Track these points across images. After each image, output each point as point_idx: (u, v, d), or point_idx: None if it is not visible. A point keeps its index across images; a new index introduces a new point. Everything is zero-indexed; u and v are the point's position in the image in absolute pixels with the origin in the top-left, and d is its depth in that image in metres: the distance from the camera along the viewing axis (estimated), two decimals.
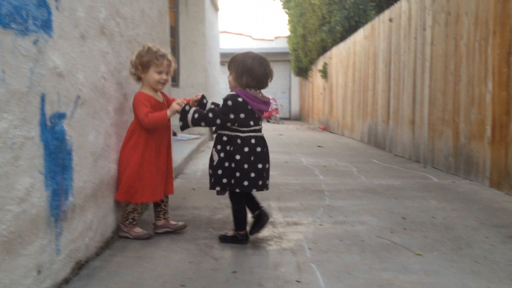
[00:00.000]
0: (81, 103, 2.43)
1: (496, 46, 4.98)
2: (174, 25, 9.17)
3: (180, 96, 9.52)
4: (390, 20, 8.77)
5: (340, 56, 13.59)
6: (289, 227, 3.39)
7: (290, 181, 5.32)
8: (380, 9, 10.00)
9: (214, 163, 2.97)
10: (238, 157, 2.90)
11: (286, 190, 4.75)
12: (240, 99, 2.90)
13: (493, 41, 5.06)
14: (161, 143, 3.11)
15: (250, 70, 2.94)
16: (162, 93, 3.26)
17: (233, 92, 2.95)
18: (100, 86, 2.73)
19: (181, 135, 8.83)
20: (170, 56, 3.15)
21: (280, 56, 25.51)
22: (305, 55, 18.94)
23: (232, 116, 2.91)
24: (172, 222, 3.21)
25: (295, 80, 25.04)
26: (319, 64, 17.08)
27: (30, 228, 1.91)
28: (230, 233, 3.07)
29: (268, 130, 15.65)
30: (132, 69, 3.10)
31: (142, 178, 2.97)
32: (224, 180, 2.95)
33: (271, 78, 3.06)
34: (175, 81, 9.14)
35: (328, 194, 4.57)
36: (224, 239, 3.02)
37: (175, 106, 2.98)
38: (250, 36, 26.33)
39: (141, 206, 3.11)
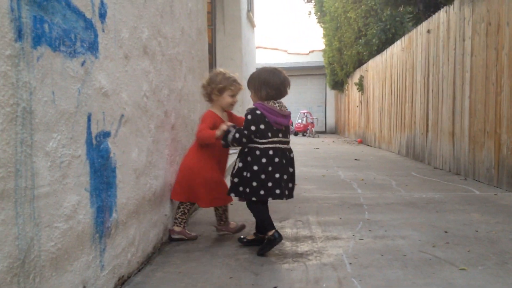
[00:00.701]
0: (124, 122, 2.50)
1: None
2: (211, 42, 9.29)
3: None
4: (428, 31, 8.69)
5: (376, 68, 13.50)
6: (328, 241, 3.38)
7: (328, 195, 5.29)
8: (417, 21, 9.89)
9: (234, 171, 3.18)
10: (255, 167, 3.06)
11: (324, 204, 4.74)
12: (258, 112, 3.09)
13: None
14: (214, 156, 3.48)
15: (266, 81, 3.14)
16: (228, 112, 3.59)
17: (253, 106, 3.15)
18: (143, 104, 2.80)
19: None
20: (239, 80, 3.50)
21: (315, 70, 25.54)
22: (341, 68, 18.89)
23: (253, 128, 3.08)
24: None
25: (331, 93, 24.98)
26: (355, 77, 17.01)
27: (76, 244, 1.97)
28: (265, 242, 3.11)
29: (304, 144, 15.63)
30: (204, 92, 3.48)
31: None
32: (240, 188, 3.13)
33: (289, 85, 3.24)
34: None
35: (367, 208, 4.53)
36: (262, 251, 3.06)
37: (223, 126, 3.23)
38: (286, 51, 26.44)
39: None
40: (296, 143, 15.83)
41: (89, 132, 2.07)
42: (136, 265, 2.70)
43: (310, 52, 26.23)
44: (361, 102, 16.25)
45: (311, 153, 11.11)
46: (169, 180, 3.39)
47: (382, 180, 6.51)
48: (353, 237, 3.49)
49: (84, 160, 2.03)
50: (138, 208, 2.71)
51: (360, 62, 16.31)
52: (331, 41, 19.17)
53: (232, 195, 3.20)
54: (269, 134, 3.08)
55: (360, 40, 15.38)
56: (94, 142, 2.12)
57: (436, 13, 8.31)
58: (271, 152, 3.07)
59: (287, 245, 3.27)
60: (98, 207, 2.16)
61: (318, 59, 24.86)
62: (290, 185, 3.19)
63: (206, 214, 4.24)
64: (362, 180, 6.51)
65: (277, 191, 3.06)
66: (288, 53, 26.31)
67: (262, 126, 3.07)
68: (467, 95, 6.80)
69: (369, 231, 3.66)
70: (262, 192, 3.05)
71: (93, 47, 2.14)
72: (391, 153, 11.26)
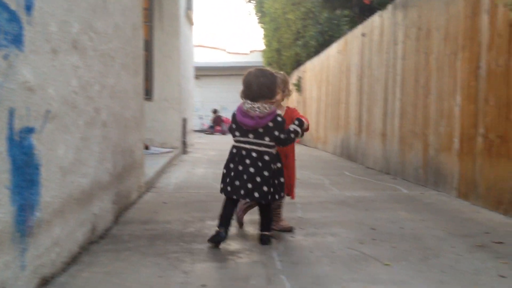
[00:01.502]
0: (51, 118, 2.42)
1: (465, 60, 5.11)
2: (148, 39, 9.17)
3: (153, 110, 9.46)
4: (363, 35, 8.93)
5: (314, 70, 13.74)
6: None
7: None
8: (353, 24, 10.14)
9: None
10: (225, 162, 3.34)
11: None
12: (234, 111, 3.33)
13: (462, 55, 5.19)
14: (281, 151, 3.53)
15: (242, 79, 3.34)
16: (288, 108, 3.72)
17: None
18: (71, 100, 2.73)
19: (154, 148, 8.79)
20: (283, 76, 3.65)
21: None
22: (279, 69, 19.06)
23: (230, 125, 3.38)
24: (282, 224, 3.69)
25: None
26: (293, 78, 17.22)
27: None
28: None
29: None
30: None
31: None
32: None
33: (259, 84, 3.25)
34: (148, 94, 9.12)
35: (301, 206, 4.61)
36: (209, 240, 3.24)
37: None
38: (225, 50, 26.41)
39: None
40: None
41: (11, 128, 2.00)
42: (61, 265, 2.62)
43: (250, 52, 26.31)
44: (298, 103, 16.48)
45: None
46: (99, 178, 3.32)
47: (316, 179, 6.64)
48: (285, 235, 3.54)
49: (5, 156, 1.96)
50: (64, 207, 2.64)
51: (298, 63, 16.53)
52: (270, 41, 19.32)
53: None
54: (237, 133, 3.28)
55: (299, 42, 15.60)
56: (16, 138, 2.05)
57: (371, 17, 8.55)
58: (234, 150, 3.29)
59: None
60: (19, 206, 2.08)
61: (258, 59, 24.94)
62: (250, 186, 3.18)
63: (137, 213, 4.18)
64: (298, 179, 6.59)
65: (228, 188, 3.25)
66: (228, 53, 26.29)
67: (234, 125, 3.31)
68: (398, 97, 7.04)
69: (301, 229, 3.73)
70: (221, 185, 3.32)
71: (17, 40, 2.07)
72: (326, 153, 11.49)
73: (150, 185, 5.53)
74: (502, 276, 2.68)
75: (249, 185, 3.18)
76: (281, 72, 3.72)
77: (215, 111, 23.22)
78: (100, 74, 3.36)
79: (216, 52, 26.13)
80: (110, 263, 2.81)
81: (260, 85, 3.24)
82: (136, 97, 4.75)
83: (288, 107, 3.74)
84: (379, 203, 4.82)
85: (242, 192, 3.20)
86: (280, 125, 3.25)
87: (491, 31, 4.61)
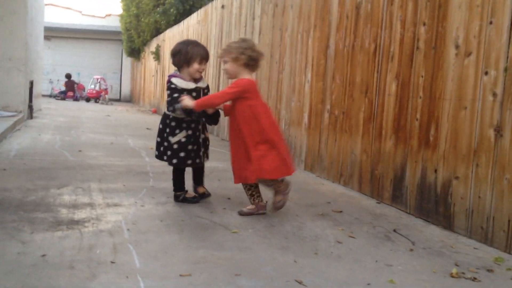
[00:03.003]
0: None
1: (316, 39, 5.35)
2: None
3: None
4: (223, 7, 8.94)
5: (173, 39, 13.52)
6: (108, 208, 3.30)
7: (114, 163, 5.17)
8: None
9: None
10: None
11: (109, 172, 4.62)
12: None
13: (313, 34, 5.42)
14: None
15: None
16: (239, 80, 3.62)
17: None
18: None
19: None
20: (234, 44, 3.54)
21: (111, 35, 24.63)
22: (138, 36, 18.51)
23: None
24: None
25: (127, 60, 24.30)
26: (152, 46, 16.83)
27: None
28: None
29: (95, 110, 15.06)
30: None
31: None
32: None
33: (172, 56, 3.63)
34: None
35: (153, 176, 4.55)
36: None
37: None
38: (80, 12, 24.93)
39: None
40: (87, 110, 15.19)
41: None
42: None
43: (106, 15, 25.14)
44: (157, 72, 16.17)
45: (102, 120, 10.73)
46: None
47: None
48: (135, 204, 3.47)
49: None
50: None
51: (158, 31, 16.17)
52: (129, 6, 18.63)
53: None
54: None
55: (158, 9, 15.24)
56: None
57: None
58: None
59: (63, 212, 3.11)
60: None
61: (115, 23, 23.95)
62: (162, 148, 3.58)
63: None
64: (152, 148, 6.46)
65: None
66: (82, 14, 24.85)
67: None
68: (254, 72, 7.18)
69: (152, 198, 3.68)
70: None
71: None
72: None
73: None
74: (339, 242, 2.88)
75: (161, 148, 3.62)
76: (238, 40, 3.54)
77: (68, 76, 21.93)
78: None
79: (70, 13, 24.57)
80: None
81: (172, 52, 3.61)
82: None
83: (245, 79, 3.58)
84: (231, 174, 4.89)
85: (164, 157, 3.60)
86: (167, 91, 3.60)
87: (340, 13, 4.86)
